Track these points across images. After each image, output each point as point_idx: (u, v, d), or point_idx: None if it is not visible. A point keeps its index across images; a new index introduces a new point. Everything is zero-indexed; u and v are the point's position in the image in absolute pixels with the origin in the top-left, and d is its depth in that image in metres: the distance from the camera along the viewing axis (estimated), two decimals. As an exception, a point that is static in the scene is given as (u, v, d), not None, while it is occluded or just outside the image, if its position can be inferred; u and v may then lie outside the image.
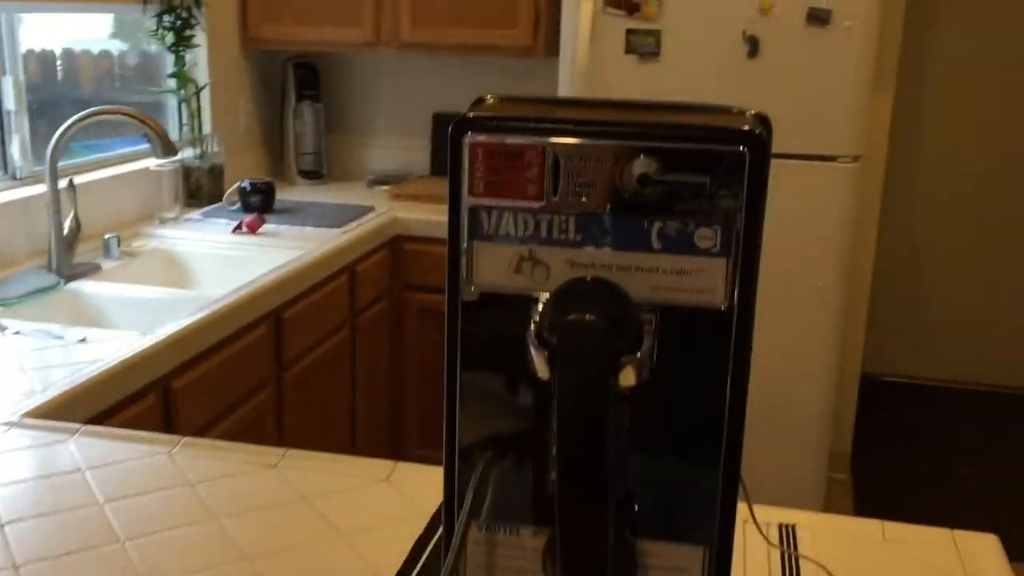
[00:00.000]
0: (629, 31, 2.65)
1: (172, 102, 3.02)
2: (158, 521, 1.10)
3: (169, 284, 2.42)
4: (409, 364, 3.00)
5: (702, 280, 0.61)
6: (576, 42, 2.66)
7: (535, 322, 0.62)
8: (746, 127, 0.61)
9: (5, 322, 1.84)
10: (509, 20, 3.02)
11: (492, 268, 0.64)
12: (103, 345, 1.73)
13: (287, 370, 2.30)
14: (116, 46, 2.94)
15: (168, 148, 2.29)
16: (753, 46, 2.60)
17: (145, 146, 2.74)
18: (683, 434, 0.64)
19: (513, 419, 0.66)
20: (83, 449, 1.27)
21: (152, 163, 2.75)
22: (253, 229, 2.65)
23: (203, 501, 1.14)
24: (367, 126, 3.59)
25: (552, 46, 2.96)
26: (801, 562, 1.05)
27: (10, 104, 2.38)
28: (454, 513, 0.67)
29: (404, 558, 1.04)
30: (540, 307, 0.63)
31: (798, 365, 2.73)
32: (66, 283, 2.17)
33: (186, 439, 1.31)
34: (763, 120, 0.65)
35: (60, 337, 1.77)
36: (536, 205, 0.63)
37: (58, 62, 2.68)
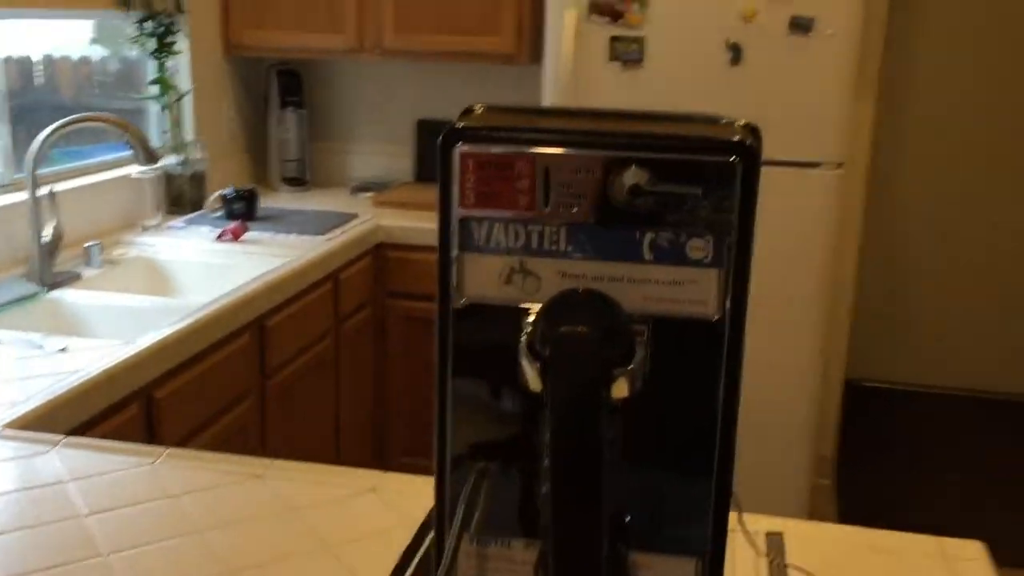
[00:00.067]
0: (613, 38, 2.65)
1: (154, 109, 3.00)
2: (142, 534, 1.08)
3: (151, 292, 2.40)
4: (393, 372, 2.98)
5: (694, 291, 0.61)
6: (560, 49, 2.66)
7: (526, 334, 0.62)
8: (737, 137, 0.61)
9: (-15, 332, 1.81)
10: (492, 27, 3.02)
11: (482, 279, 0.64)
12: (85, 354, 1.71)
13: (271, 379, 2.29)
14: (96, 52, 2.92)
15: (150, 155, 2.28)
16: (736, 54, 2.61)
17: (126, 153, 2.72)
18: (675, 445, 0.64)
19: (503, 430, 0.66)
20: (66, 460, 1.25)
21: (134, 170, 2.73)
22: (236, 236, 2.64)
23: (188, 513, 1.13)
24: (350, 133, 3.58)
25: (535, 53, 2.96)
26: (789, 571, 1.05)
27: (-11, 111, 2.36)
28: (445, 525, 0.66)
29: (391, 569, 1.03)
30: (531, 318, 0.62)
31: (782, 371, 2.74)
32: (47, 292, 2.15)
33: (170, 450, 1.30)
34: (753, 130, 0.64)
35: (41, 346, 1.75)
36: (527, 216, 0.62)
37: (37, 68, 2.66)
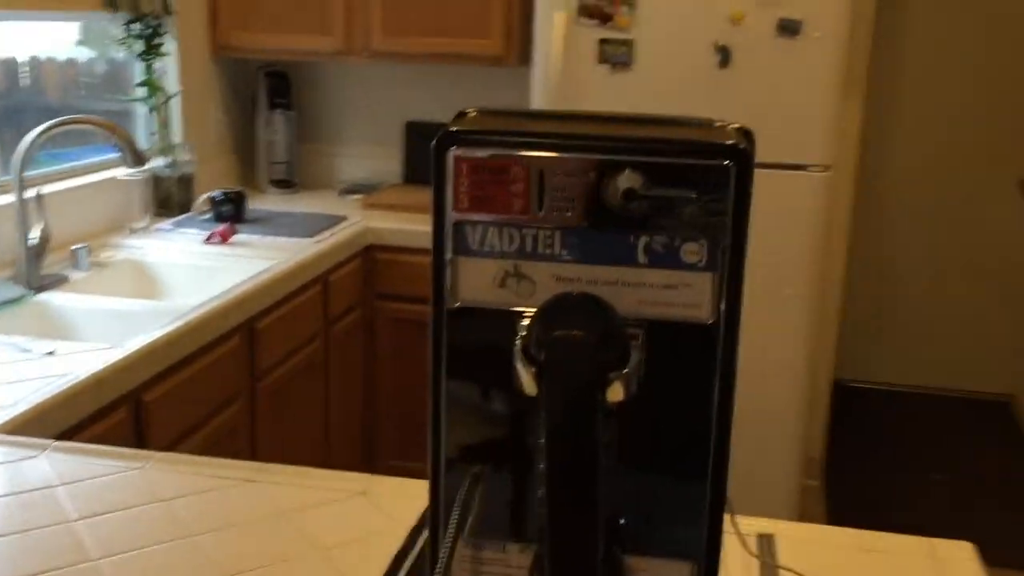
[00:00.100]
0: (602, 40, 2.66)
1: (141, 110, 2.99)
2: (133, 539, 1.08)
3: (139, 295, 2.39)
4: (383, 374, 2.98)
5: (688, 294, 0.61)
6: (549, 51, 2.67)
7: (521, 337, 0.62)
8: (731, 141, 0.61)
9: (-28, 335, 1.80)
10: (481, 29, 3.02)
11: (476, 283, 0.64)
12: (73, 358, 1.70)
13: (260, 381, 2.28)
14: (83, 54, 2.90)
15: (138, 158, 2.27)
16: (724, 56, 2.62)
17: (114, 155, 2.71)
18: (669, 448, 0.64)
19: (497, 434, 0.66)
20: (54, 465, 1.25)
21: (121, 173, 2.72)
22: (225, 239, 2.63)
23: (179, 517, 1.13)
24: (338, 135, 3.57)
25: (524, 55, 2.97)
26: (781, 573, 1.05)
27: (-24, 113, 2.34)
28: (439, 528, 0.66)
29: (383, 573, 1.03)
30: (525, 322, 0.62)
31: (771, 372, 2.75)
32: (34, 295, 2.14)
33: (160, 454, 1.29)
34: (746, 134, 0.65)
35: (28, 350, 1.74)
36: (521, 219, 0.62)
37: (23, 70, 2.64)
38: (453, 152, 0.62)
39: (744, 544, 0.92)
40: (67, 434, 1.56)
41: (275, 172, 3.41)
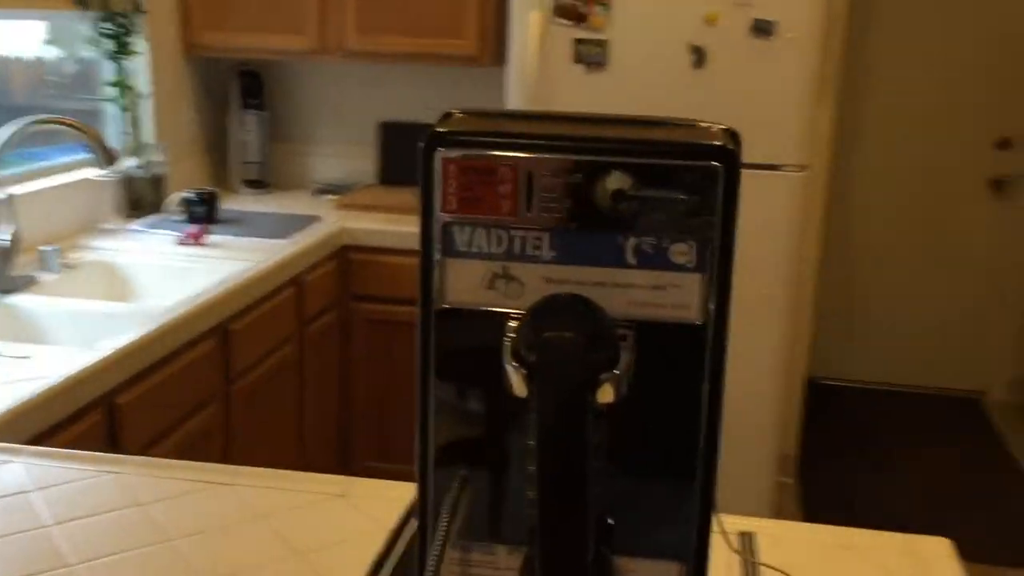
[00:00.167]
0: (577, 40, 2.66)
1: (111, 110, 2.95)
2: (110, 544, 1.06)
3: (111, 297, 2.36)
4: (358, 375, 2.97)
5: (677, 295, 0.61)
6: (524, 51, 2.66)
7: (511, 339, 0.62)
8: (718, 142, 0.61)
9: (-60, 338, 1.77)
10: (455, 29, 3.01)
11: (465, 284, 0.63)
12: (44, 361, 1.68)
13: (234, 384, 2.26)
14: (50, 53, 2.86)
15: (110, 158, 2.24)
16: (699, 57, 2.63)
17: (83, 156, 2.68)
18: (658, 449, 0.64)
19: (486, 435, 0.66)
20: (29, 470, 1.23)
21: (92, 173, 2.68)
22: (198, 240, 2.60)
23: (156, 522, 1.11)
24: (312, 135, 3.55)
25: (498, 56, 2.96)
26: (763, 570, 1.05)
27: (-57, 113, 2.30)
28: (427, 530, 0.66)
29: (365, 576, 1.02)
30: (514, 324, 0.62)
31: (746, 371, 2.77)
32: (3, 297, 2.11)
33: (136, 458, 1.28)
34: (732, 135, 0.65)
35: (-1, 353, 1.71)
36: (510, 221, 0.62)
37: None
38: (441, 153, 0.62)
39: (729, 543, 0.92)
40: (40, 438, 1.54)
41: (248, 172, 3.38)
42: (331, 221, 2.91)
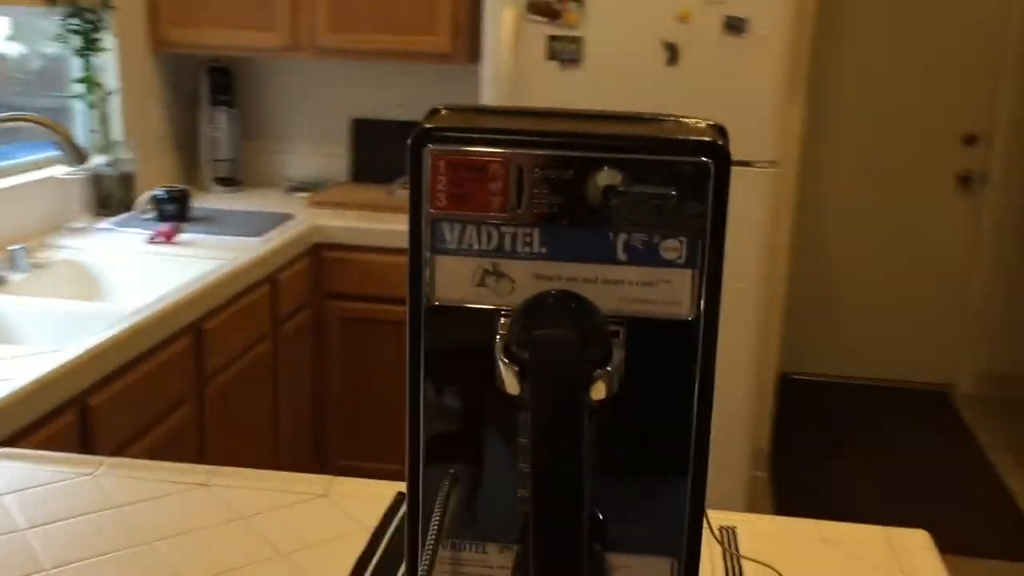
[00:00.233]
0: (551, 37, 2.66)
1: (79, 107, 2.91)
2: (87, 547, 1.05)
3: (81, 297, 2.33)
4: (332, 373, 2.95)
5: (668, 291, 0.61)
6: (499, 48, 2.66)
7: (502, 336, 0.61)
8: (708, 138, 0.61)
9: (-93, 340, 1.74)
10: (428, 26, 3.00)
11: (454, 281, 0.63)
12: (15, 362, 1.65)
13: (208, 383, 2.24)
14: (14, 49, 2.82)
15: (79, 156, 2.21)
16: (672, 53, 2.64)
17: (49, 153, 2.64)
18: (649, 445, 0.64)
19: (476, 433, 0.65)
20: (1, 472, 1.21)
21: (59, 171, 2.65)
22: (169, 238, 2.57)
23: (134, 524, 1.10)
24: (283, 132, 3.52)
25: (472, 52, 2.96)
26: (744, 563, 1.06)
27: (-94, 109, 2.26)
28: (417, 529, 0.65)
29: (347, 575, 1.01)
30: (505, 320, 0.62)
31: (720, 366, 2.78)
32: (-29, 297, 2.07)
33: (111, 459, 1.26)
34: (721, 131, 0.65)
35: (-32, 355, 1.68)
36: (500, 217, 0.62)
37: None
38: (430, 149, 0.61)
39: (715, 537, 0.92)
40: (11, 440, 1.51)
41: (219, 170, 3.35)
42: (304, 219, 2.89)
